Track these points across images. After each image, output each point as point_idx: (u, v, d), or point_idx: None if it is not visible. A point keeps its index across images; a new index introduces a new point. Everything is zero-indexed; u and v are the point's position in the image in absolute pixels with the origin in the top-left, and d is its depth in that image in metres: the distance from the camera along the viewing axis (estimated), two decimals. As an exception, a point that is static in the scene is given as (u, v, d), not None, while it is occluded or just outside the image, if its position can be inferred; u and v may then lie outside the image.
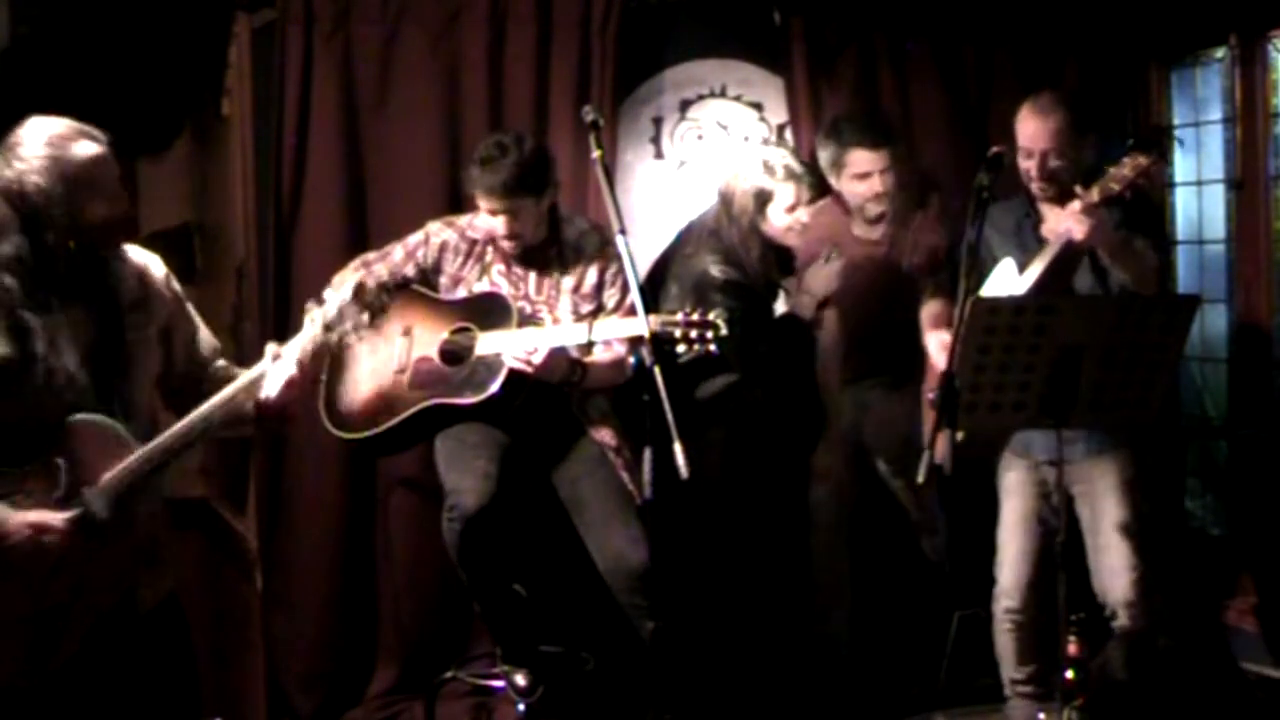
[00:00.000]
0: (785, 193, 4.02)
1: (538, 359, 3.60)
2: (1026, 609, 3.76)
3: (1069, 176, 3.70)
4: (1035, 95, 3.78)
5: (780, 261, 4.14)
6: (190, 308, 3.06)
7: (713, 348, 3.40)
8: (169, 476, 2.93)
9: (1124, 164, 3.43)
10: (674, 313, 3.42)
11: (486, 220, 3.81)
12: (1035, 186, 3.73)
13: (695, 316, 3.39)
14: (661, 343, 3.32)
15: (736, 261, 4.03)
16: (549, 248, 3.89)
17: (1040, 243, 3.75)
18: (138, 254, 2.97)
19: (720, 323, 3.39)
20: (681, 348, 3.38)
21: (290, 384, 2.93)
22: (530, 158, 3.75)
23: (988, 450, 3.83)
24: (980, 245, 3.82)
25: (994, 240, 3.79)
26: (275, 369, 2.92)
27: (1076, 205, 3.49)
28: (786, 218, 4.04)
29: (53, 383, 2.75)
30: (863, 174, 4.27)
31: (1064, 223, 3.51)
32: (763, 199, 4.02)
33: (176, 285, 3.03)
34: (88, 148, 2.77)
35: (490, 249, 3.89)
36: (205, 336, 3.08)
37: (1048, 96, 3.77)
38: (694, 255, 4.10)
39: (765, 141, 4.51)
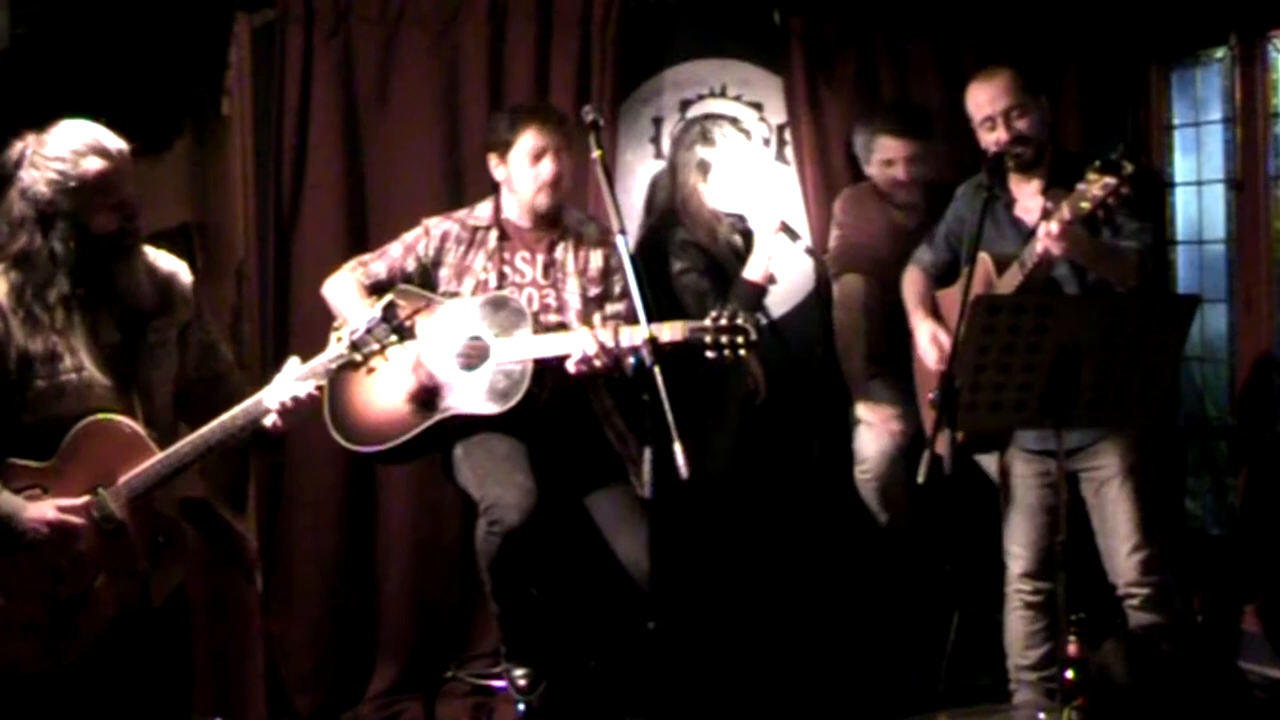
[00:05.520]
0: (725, 163, 4.19)
1: (571, 367, 3.62)
2: (1037, 589, 3.79)
3: (1037, 133, 3.71)
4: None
5: (740, 230, 4.28)
6: (210, 322, 3.11)
7: (742, 353, 3.48)
8: (186, 478, 2.98)
9: (1093, 182, 3.37)
10: (702, 319, 3.51)
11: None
12: (1009, 158, 3.71)
13: (724, 321, 3.48)
14: (692, 349, 3.44)
15: (689, 225, 4.20)
16: (552, 231, 3.91)
17: (1014, 224, 3.75)
18: (165, 260, 3.03)
19: (750, 328, 3.48)
20: (711, 354, 3.48)
21: (304, 401, 2.95)
22: None
23: (992, 447, 3.84)
24: (960, 230, 3.86)
25: (966, 223, 3.81)
26: (291, 386, 2.93)
27: (1054, 226, 3.44)
28: (729, 186, 4.20)
29: (72, 381, 2.83)
30: (886, 160, 4.37)
31: (1040, 242, 3.49)
32: (704, 169, 4.21)
33: (194, 296, 3.07)
34: (96, 163, 2.81)
35: (493, 234, 3.89)
36: (225, 351, 3.13)
37: (987, 67, 3.85)
38: (655, 221, 4.31)
39: (706, 116, 4.49)
